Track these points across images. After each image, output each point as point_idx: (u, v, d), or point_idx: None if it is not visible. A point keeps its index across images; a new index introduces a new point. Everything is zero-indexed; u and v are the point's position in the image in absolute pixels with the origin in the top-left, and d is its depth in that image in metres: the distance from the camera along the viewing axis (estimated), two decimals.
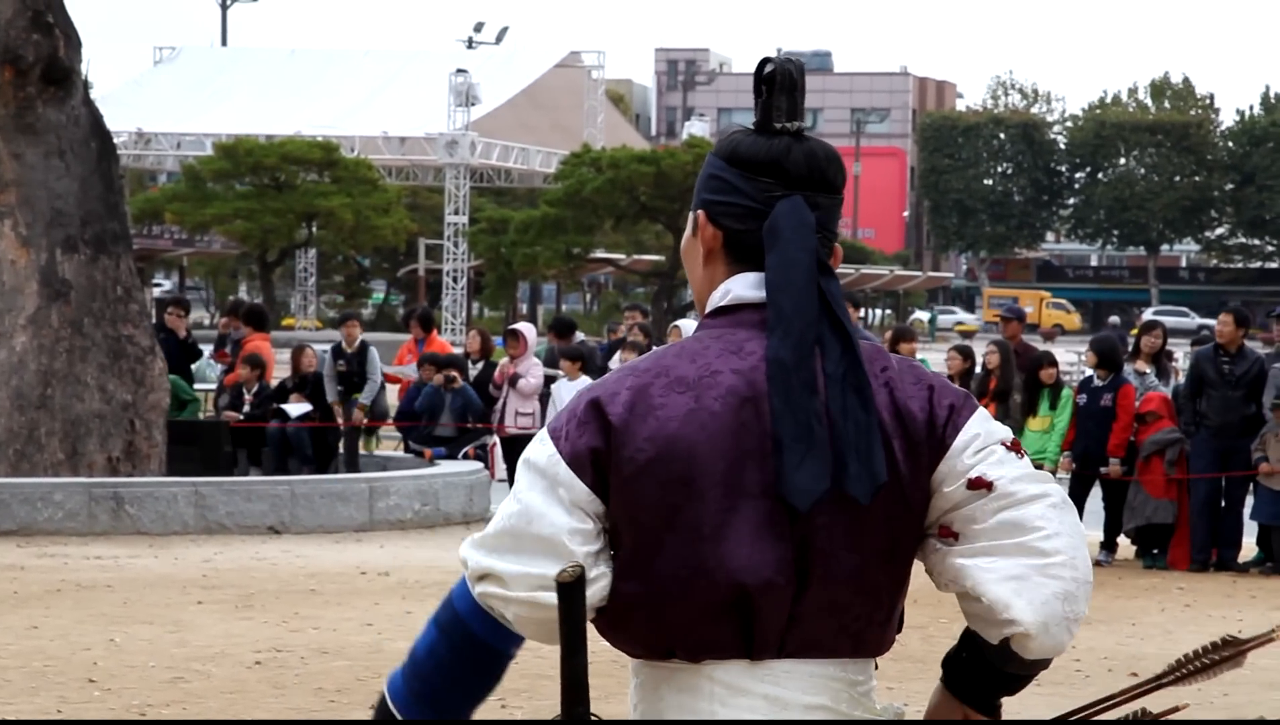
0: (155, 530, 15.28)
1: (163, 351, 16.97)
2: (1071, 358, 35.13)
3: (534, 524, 2.70)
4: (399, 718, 2.78)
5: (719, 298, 2.80)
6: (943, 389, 2.78)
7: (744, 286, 2.78)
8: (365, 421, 19.04)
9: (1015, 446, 2.78)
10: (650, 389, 2.70)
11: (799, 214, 2.75)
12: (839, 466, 2.69)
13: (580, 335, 20.69)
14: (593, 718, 2.68)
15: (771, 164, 2.77)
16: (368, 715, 2.93)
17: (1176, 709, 3.38)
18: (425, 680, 2.77)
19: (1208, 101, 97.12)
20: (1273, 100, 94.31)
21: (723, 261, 2.81)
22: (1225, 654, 2.93)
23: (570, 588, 2.64)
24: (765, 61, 2.78)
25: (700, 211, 2.82)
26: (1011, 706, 2.89)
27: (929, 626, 11.54)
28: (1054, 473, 15.42)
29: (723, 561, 2.66)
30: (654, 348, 18.08)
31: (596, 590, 2.70)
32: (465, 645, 2.75)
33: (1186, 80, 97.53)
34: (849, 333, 2.74)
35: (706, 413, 2.67)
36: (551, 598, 2.67)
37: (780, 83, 2.78)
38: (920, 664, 9.90)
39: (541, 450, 2.73)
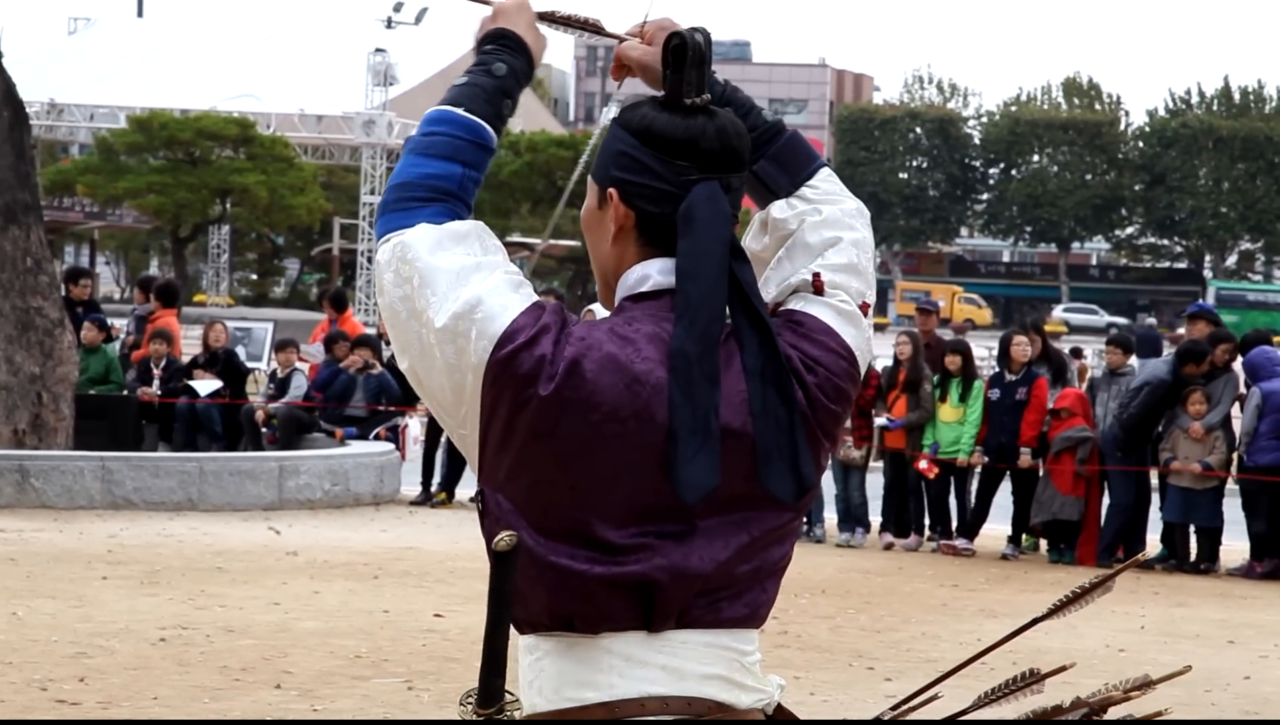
0: (61, 504, 15.15)
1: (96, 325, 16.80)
2: (982, 352, 35.34)
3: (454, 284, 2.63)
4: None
5: (635, 283, 2.75)
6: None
7: (664, 273, 2.74)
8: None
9: None
10: (584, 362, 2.62)
11: (716, 203, 2.72)
12: (759, 462, 2.67)
13: None
14: (507, 695, 2.66)
15: (688, 144, 2.72)
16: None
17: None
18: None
19: (1116, 101, 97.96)
20: (1177, 103, 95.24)
21: (634, 242, 2.77)
22: (1094, 583, 3.16)
23: (505, 557, 2.58)
24: (673, 35, 2.73)
25: (612, 190, 2.75)
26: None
27: (836, 617, 11.60)
28: (967, 465, 15.57)
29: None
30: None
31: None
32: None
33: (1091, 80, 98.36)
34: (767, 325, 2.71)
35: (640, 401, 2.63)
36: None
37: (691, 57, 2.72)
38: (827, 654, 9.94)
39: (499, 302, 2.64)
